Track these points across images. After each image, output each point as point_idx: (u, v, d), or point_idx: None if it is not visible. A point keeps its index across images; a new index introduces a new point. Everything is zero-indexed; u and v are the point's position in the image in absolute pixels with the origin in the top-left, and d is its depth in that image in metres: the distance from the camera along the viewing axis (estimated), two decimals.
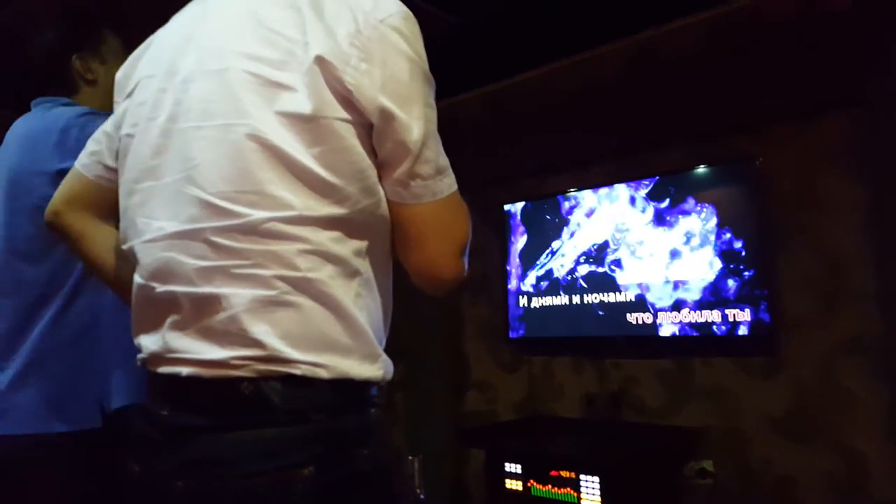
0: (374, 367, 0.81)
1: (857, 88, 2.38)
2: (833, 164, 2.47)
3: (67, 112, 1.34)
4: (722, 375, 2.67)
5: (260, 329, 0.75)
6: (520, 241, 3.24)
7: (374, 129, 0.79)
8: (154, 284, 0.82)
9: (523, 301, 3.20)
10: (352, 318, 0.78)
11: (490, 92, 3.46)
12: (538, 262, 3.17)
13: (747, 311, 2.52)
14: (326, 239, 0.77)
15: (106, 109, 1.11)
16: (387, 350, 0.87)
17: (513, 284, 3.25)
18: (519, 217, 3.26)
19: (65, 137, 1.29)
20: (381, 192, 0.82)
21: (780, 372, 2.53)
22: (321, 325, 0.76)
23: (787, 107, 2.53)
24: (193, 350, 0.77)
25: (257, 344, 0.74)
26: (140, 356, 0.86)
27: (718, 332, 2.59)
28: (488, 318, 3.45)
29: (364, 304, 0.81)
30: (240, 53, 0.78)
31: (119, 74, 0.96)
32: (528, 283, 3.19)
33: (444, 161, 0.85)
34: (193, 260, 0.78)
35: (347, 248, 0.79)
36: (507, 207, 3.30)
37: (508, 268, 3.27)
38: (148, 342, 0.83)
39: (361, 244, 0.81)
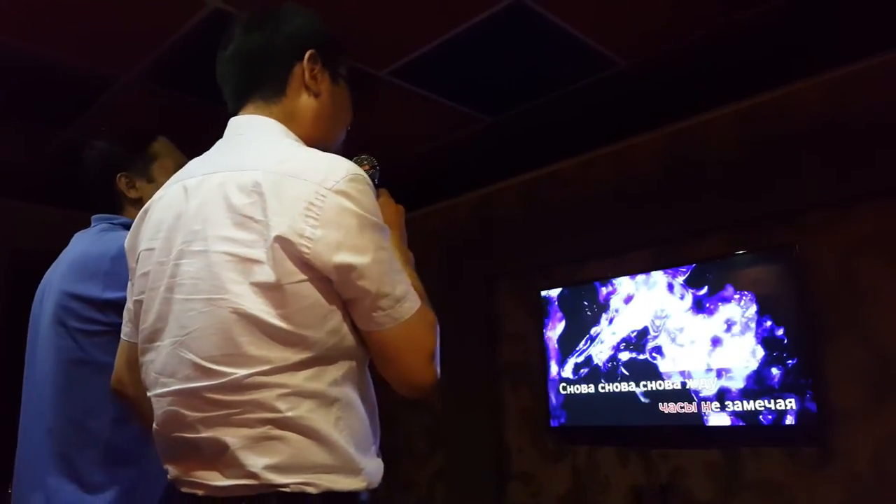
0: (357, 480, 0.93)
1: (892, 178, 2.40)
2: (871, 251, 2.47)
3: (121, 239, 1.39)
4: (771, 467, 2.58)
5: (253, 462, 0.89)
6: (558, 328, 3.26)
7: (333, 282, 0.93)
8: (166, 431, 0.98)
9: (564, 388, 3.18)
10: (332, 443, 0.91)
11: (526, 181, 3.58)
12: (577, 349, 3.16)
13: (793, 400, 2.46)
14: (301, 380, 0.91)
15: None
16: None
17: (553, 371, 3.24)
18: (557, 303, 3.29)
19: (116, 266, 1.32)
20: (346, 327, 0.95)
21: (830, 463, 2.44)
22: (305, 453, 0.90)
23: (822, 195, 2.56)
24: (205, 478, 0.93)
25: (252, 475, 0.89)
26: (169, 476, 1.01)
27: (765, 422, 2.52)
28: (529, 406, 3.42)
29: (346, 425, 0.94)
30: (218, 237, 0.93)
31: (126, 244, 1.11)
32: (568, 370, 3.17)
33: (402, 289, 0.97)
34: (194, 413, 0.94)
35: (323, 382, 0.93)
36: (544, 293, 3.34)
37: (548, 355, 3.27)
38: (172, 469, 1.00)
39: (337, 374, 0.94)
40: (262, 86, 1.07)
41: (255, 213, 0.91)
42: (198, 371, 0.93)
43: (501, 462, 3.47)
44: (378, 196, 1.08)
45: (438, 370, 1.01)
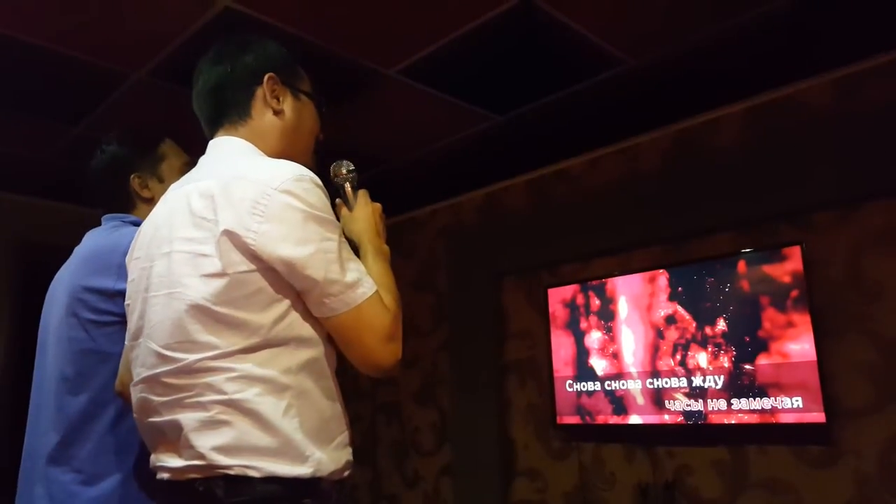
0: (302, 467, 0.98)
1: None
2: (878, 250, 2.47)
3: (132, 234, 1.42)
4: (778, 465, 2.59)
5: (202, 443, 0.97)
6: (565, 325, 3.26)
7: (283, 274, 1.00)
8: (140, 417, 1.10)
9: (570, 385, 3.19)
10: (276, 428, 0.97)
11: (534, 179, 3.59)
12: (584, 346, 3.17)
13: (800, 398, 2.47)
14: (251, 365, 0.98)
15: None
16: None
17: (559, 368, 3.25)
18: (564, 301, 3.29)
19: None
20: (295, 316, 1.02)
21: (838, 462, 2.44)
22: (248, 436, 0.97)
23: (829, 194, 2.56)
24: (167, 461, 1.03)
25: (201, 456, 0.97)
26: (150, 466, 1.11)
27: (771, 420, 2.53)
28: (536, 403, 3.43)
29: (297, 413, 0.99)
30: (179, 238, 1.05)
31: (126, 257, 1.23)
32: (575, 368, 3.18)
33: (353, 276, 1.04)
34: (156, 397, 1.04)
35: (274, 368, 0.99)
36: (551, 291, 3.34)
37: (554, 352, 3.28)
38: (152, 455, 1.10)
39: (291, 363, 1.00)
40: (229, 112, 1.18)
41: (207, 214, 1.02)
42: (159, 358, 1.03)
43: (508, 458, 3.49)
44: (356, 196, 1.27)
45: (398, 351, 1.08)
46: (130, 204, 1.54)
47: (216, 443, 0.96)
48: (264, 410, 0.97)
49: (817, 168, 2.57)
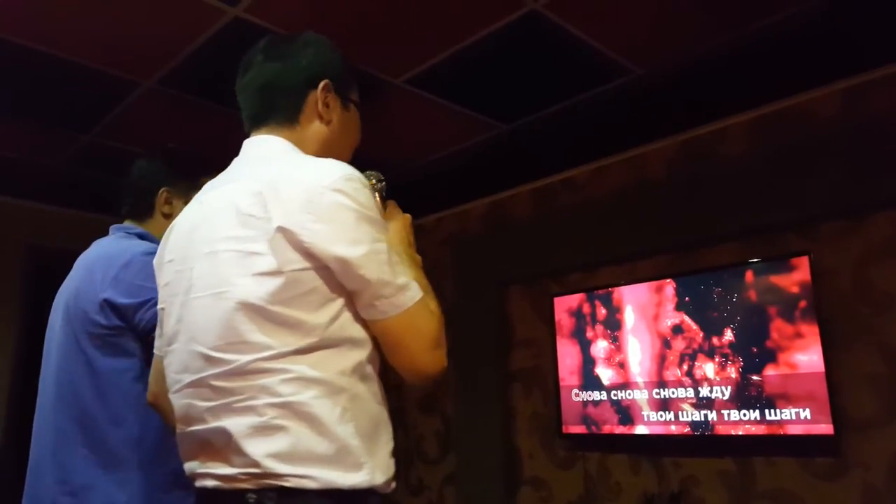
0: (359, 475, 0.94)
1: None
2: (886, 260, 2.46)
3: (135, 248, 1.42)
4: (785, 476, 2.57)
5: (256, 450, 0.92)
6: (570, 334, 3.26)
7: (334, 272, 0.97)
8: (183, 427, 1.04)
9: (576, 395, 3.18)
10: (334, 434, 0.93)
11: (540, 187, 3.59)
12: (590, 355, 3.17)
13: (808, 409, 2.45)
14: (306, 366, 0.94)
15: None
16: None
17: (565, 377, 3.24)
18: (570, 309, 3.29)
19: (124, 273, 1.38)
20: (347, 316, 0.99)
21: (845, 474, 2.42)
22: (307, 442, 0.92)
23: (837, 203, 2.55)
24: (214, 468, 0.97)
25: (255, 464, 0.92)
26: (186, 474, 1.06)
27: (778, 431, 2.51)
28: (541, 412, 3.42)
29: (352, 418, 0.95)
30: (224, 237, 1.01)
31: (154, 262, 1.18)
32: (581, 376, 3.17)
33: (403, 279, 1.01)
34: (203, 402, 0.99)
35: (329, 370, 0.96)
36: (557, 300, 3.34)
37: (560, 361, 3.27)
38: (189, 465, 1.04)
39: (344, 365, 0.97)
40: (276, 113, 1.14)
41: (256, 212, 0.98)
42: (206, 361, 0.98)
43: (512, 467, 3.48)
44: (385, 207, 1.19)
45: (444, 358, 1.04)
46: (148, 214, 1.56)
47: (271, 449, 0.92)
48: (321, 414, 0.93)
49: (825, 178, 2.56)
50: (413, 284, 1.02)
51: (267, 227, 0.96)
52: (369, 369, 1.01)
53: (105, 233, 1.58)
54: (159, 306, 1.13)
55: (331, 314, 0.97)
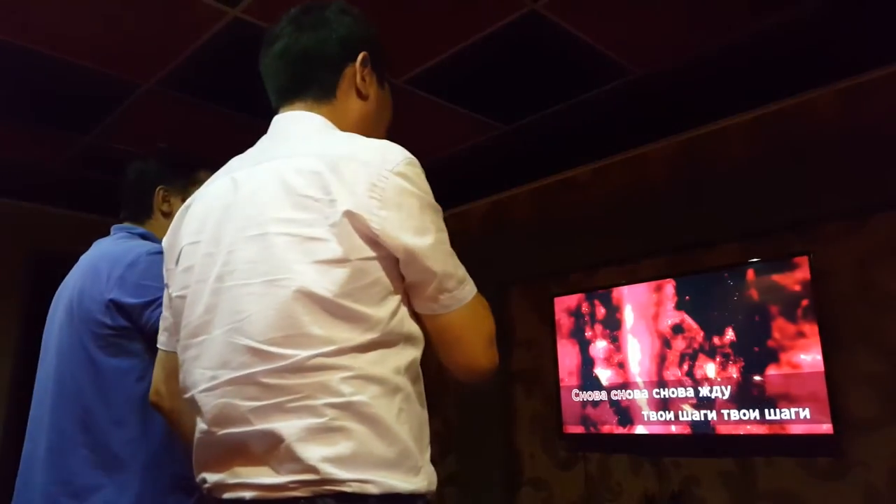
0: (418, 479, 0.88)
1: None
2: (886, 261, 2.46)
3: (139, 248, 1.42)
4: (785, 476, 2.57)
5: (313, 455, 0.83)
6: (571, 334, 3.26)
7: (400, 262, 0.91)
8: (215, 429, 0.91)
9: (576, 395, 3.18)
10: (395, 436, 0.86)
11: (540, 188, 3.60)
12: (590, 356, 3.17)
13: (808, 409, 2.45)
14: (366, 363, 0.87)
15: None
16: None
17: (565, 378, 3.24)
18: (570, 310, 3.29)
19: (129, 273, 1.37)
20: (404, 311, 0.93)
21: (846, 474, 2.42)
22: (369, 445, 0.84)
23: (837, 204, 2.55)
24: (255, 477, 0.86)
25: (311, 469, 0.83)
26: (204, 486, 0.94)
27: (779, 431, 2.51)
28: (541, 413, 3.42)
29: (406, 419, 0.89)
30: (276, 219, 0.90)
31: (165, 242, 1.07)
32: (581, 377, 3.17)
33: (462, 271, 0.96)
34: (247, 402, 0.87)
35: (386, 368, 0.88)
36: (557, 300, 3.34)
37: (560, 361, 3.27)
38: (211, 475, 0.92)
39: (399, 362, 0.90)
40: (311, 86, 1.04)
41: (315, 193, 0.89)
42: (255, 355, 0.87)
43: (513, 468, 3.48)
44: None
45: (497, 356, 1.00)
46: (146, 214, 1.56)
47: (330, 453, 0.83)
48: (383, 414, 0.86)
49: (825, 178, 2.56)
50: (469, 277, 0.97)
51: (329, 210, 0.87)
52: (419, 368, 0.95)
53: (106, 234, 1.57)
54: (176, 293, 1.01)
55: (391, 308, 0.90)
